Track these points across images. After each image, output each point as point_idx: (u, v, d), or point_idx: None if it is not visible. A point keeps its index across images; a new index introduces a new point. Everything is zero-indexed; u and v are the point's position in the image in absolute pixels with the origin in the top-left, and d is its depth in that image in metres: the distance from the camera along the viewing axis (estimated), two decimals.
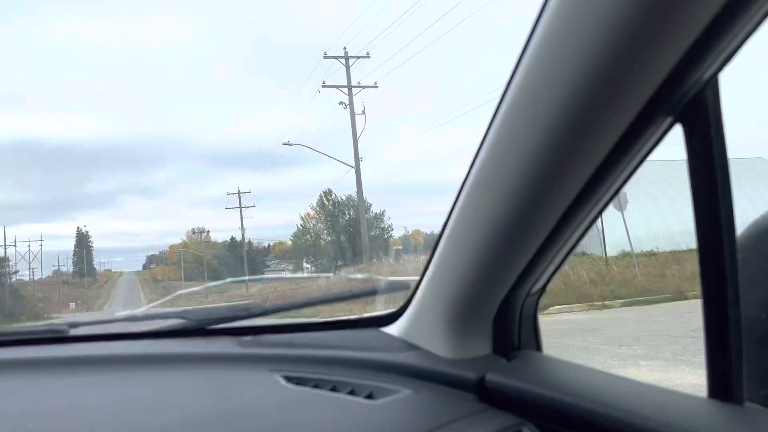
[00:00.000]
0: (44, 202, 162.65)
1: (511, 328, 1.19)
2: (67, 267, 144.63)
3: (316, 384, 1.13)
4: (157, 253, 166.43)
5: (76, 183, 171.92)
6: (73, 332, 1.56)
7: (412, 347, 1.26)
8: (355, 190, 58.87)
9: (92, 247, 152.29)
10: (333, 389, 1.10)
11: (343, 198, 56.74)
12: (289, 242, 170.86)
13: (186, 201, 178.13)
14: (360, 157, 24.09)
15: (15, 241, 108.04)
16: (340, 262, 54.24)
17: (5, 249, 55.13)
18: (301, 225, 58.12)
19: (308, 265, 61.30)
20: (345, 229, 55.90)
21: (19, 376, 1.24)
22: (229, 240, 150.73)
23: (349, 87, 25.33)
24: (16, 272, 60.83)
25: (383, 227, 56.86)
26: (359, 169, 24.18)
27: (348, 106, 24.95)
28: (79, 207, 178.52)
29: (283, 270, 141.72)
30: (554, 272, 1.14)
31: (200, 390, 1.14)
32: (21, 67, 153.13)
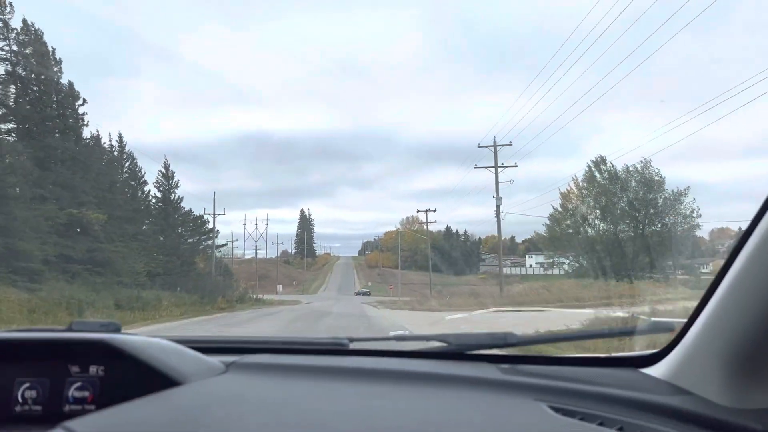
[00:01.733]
0: (271, 189, 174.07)
1: None
2: (291, 248, 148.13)
3: (583, 417, 1.13)
4: (372, 239, 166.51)
5: (299, 173, 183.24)
6: (352, 346, 1.72)
7: (681, 391, 1.21)
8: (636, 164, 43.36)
9: (313, 230, 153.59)
10: (601, 424, 1.10)
11: (624, 168, 39.38)
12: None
13: (394, 193, 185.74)
14: None
15: (245, 219, 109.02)
16: (607, 263, 37.35)
17: (214, 218, 47.88)
18: (559, 206, 41.76)
19: (566, 261, 44.76)
20: (627, 214, 38.76)
21: (307, 380, 1.38)
22: (444, 230, 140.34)
23: None
24: (224, 245, 54.22)
25: (685, 214, 38.04)
26: None
27: None
28: (301, 195, 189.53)
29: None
30: None
31: (468, 411, 1.18)
32: (252, 67, 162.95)
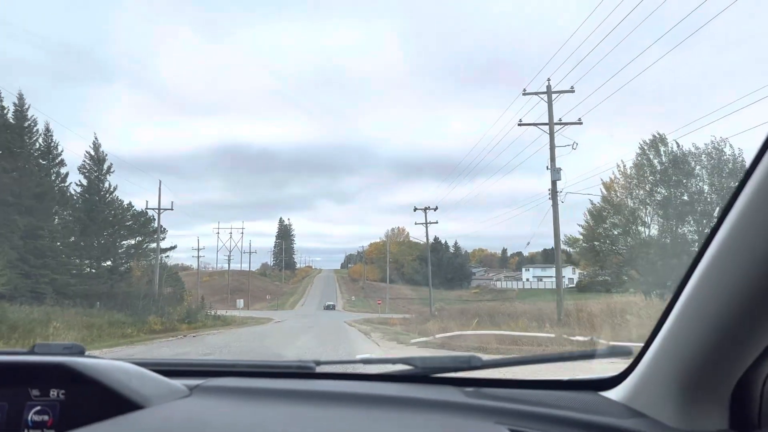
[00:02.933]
0: (249, 202, 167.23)
1: (750, 405, 1.11)
2: (270, 261, 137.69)
3: None
4: (355, 252, 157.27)
5: (278, 186, 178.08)
6: (319, 369, 1.69)
7: (637, 414, 1.24)
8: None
9: (293, 241, 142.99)
10: None
11: (690, 150, 29.94)
12: (487, 251, 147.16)
13: (374, 207, 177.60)
14: None
15: (218, 227, 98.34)
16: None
17: (159, 214, 37.46)
18: (601, 199, 32.07)
19: (604, 272, 35.14)
20: (694, 209, 29.28)
21: (273, 404, 1.36)
22: (432, 241, 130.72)
23: None
24: (172, 248, 43.66)
25: None
26: None
27: None
28: (280, 208, 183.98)
29: (492, 279, 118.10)
30: None
31: None
32: (227, 77, 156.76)
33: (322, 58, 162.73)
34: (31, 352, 1.49)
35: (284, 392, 1.44)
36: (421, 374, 1.64)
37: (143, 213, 37.75)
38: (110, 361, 1.41)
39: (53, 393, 1.35)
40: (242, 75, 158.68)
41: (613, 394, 1.38)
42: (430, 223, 45.20)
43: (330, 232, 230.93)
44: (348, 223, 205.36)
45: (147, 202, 37.21)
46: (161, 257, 39.11)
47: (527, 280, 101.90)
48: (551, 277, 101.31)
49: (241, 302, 43.89)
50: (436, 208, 45.06)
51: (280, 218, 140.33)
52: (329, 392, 1.45)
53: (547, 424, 1.22)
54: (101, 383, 1.29)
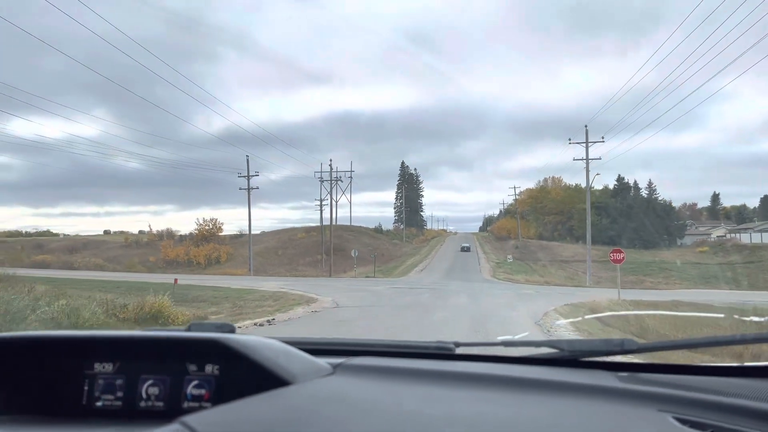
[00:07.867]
0: (371, 171, 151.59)
1: None
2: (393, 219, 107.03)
3: (714, 430, 1.02)
4: (495, 213, 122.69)
5: (395, 154, 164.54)
6: (459, 351, 1.64)
7: None
8: None
9: (421, 194, 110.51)
10: None
11: None
12: (670, 202, 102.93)
13: (498, 172, 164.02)
14: None
15: (321, 171, 68.58)
16: None
17: None
18: None
19: None
20: None
21: (412, 383, 1.33)
22: (614, 183, 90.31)
23: None
24: None
25: None
26: None
27: None
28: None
29: (712, 234, 77.28)
30: None
31: (584, 420, 1.10)
32: (328, 44, 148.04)
33: (420, 16, 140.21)
34: (188, 330, 1.54)
35: (423, 372, 1.40)
36: (569, 357, 1.53)
37: None
38: (260, 338, 1.42)
39: (209, 368, 1.39)
40: (343, 41, 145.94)
41: None
42: None
43: (458, 201, 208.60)
44: (474, 191, 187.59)
45: None
46: None
47: None
48: None
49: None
50: None
51: (402, 162, 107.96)
52: (469, 373, 1.39)
53: (721, 413, 1.06)
54: (252, 359, 1.30)
